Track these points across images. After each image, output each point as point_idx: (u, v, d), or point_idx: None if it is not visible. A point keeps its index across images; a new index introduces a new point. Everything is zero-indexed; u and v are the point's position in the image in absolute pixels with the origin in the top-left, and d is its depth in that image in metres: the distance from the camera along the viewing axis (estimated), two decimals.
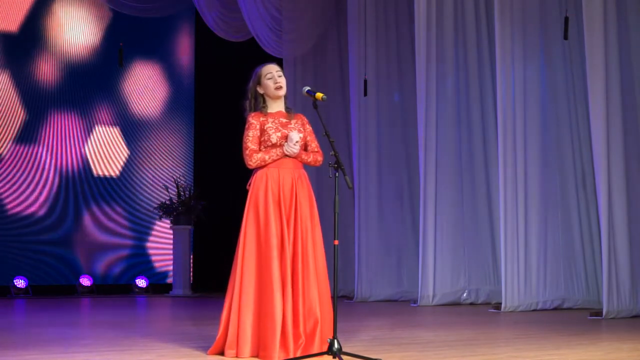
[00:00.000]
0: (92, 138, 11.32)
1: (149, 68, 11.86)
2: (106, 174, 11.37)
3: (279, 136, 4.53)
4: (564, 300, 8.07)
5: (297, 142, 4.49)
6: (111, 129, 11.49)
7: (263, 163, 4.52)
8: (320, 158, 4.69)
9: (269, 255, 4.38)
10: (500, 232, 7.94)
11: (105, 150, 11.40)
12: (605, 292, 6.90)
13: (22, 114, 10.87)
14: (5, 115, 10.76)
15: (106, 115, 11.47)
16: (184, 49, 12.16)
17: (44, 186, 10.93)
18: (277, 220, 4.44)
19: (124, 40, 10.60)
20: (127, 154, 11.56)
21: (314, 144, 4.69)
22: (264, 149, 4.55)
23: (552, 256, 8.07)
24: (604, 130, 7.00)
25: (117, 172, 11.45)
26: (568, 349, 4.89)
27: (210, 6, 9.96)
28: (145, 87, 11.81)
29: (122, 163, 11.51)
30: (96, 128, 11.37)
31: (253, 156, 4.52)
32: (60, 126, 11.12)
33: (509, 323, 6.72)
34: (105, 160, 11.38)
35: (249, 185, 4.59)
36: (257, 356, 4.35)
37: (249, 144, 4.54)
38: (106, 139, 11.42)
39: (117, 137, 11.52)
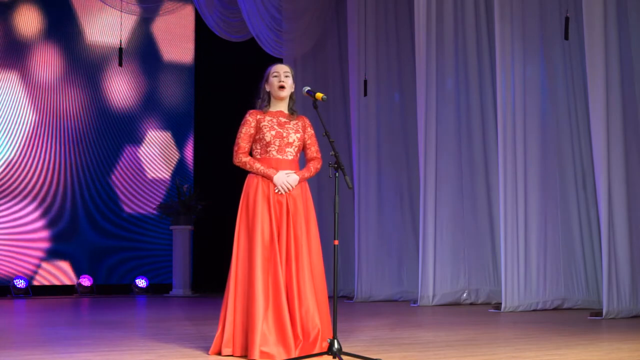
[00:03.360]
0: (91, 138, 11.32)
1: (148, 68, 11.85)
2: (106, 174, 11.36)
3: (273, 135, 4.53)
4: (564, 300, 8.07)
5: (285, 186, 4.47)
6: (114, 128, 11.47)
7: (244, 167, 4.57)
8: (319, 165, 4.69)
9: (254, 255, 4.40)
10: (500, 232, 7.94)
11: (106, 149, 11.39)
12: (605, 292, 6.90)
13: (30, 115, 10.88)
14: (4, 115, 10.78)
15: (108, 116, 11.46)
16: (184, 48, 12.15)
17: (42, 186, 10.92)
18: (265, 220, 4.45)
19: (124, 40, 10.60)
20: (128, 154, 11.55)
21: (313, 148, 4.69)
22: (259, 150, 4.55)
23: (552, 256, 8.07)
24: (604, 130, 7.00)
25: (118, 172, 11.45)
26: (568, 349, 4.89)
27: (210, 6, 9.96)
28: (144, 87, 11.80)
29: (122, 163, 11.50)
30: (96, 128, 11.37)
31: (239, 155, 4.56)
32: (57, 125, 11.11)
33: (509, 323, 6.72)
34: (105, 160, 11.37)
35: None
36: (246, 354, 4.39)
37: (239, 141, 4.57)
38: (108, 139, 11.41)
39: (122, 136, 11.51)
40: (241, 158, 4.56)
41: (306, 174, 4.60)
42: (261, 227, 4.43)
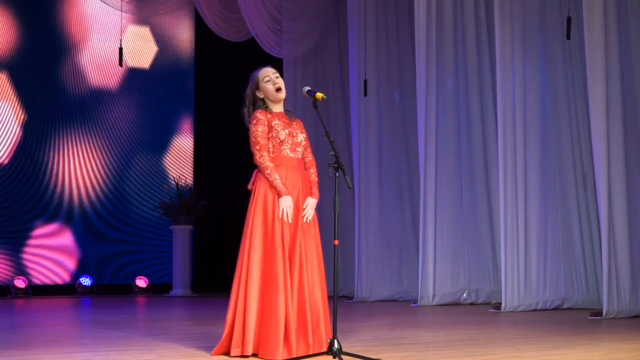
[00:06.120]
0: (90, 139, 11.31)
1: (148, 68, 11.84)
2: (105, 174, 11.36)
3: (286, 133, 4.54)
4: (564, 300, 8.07)
5: (286, 212, 4.45)
6: (115, 128, 11.47)
7: (263, 170, 4.47)
8: (315, 170, 4.69)
9: (274, 255, 4.39)
10: (500, 232, 7.94)
11: (105, 149, 11.39)
12: (605, 292, 6.90)
13: (21, 116, 10.88)
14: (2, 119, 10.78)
15: (107, 116, 11.46)
16: (184, 48, 12.15)
17: (40, 186, 10.92)
18: (282, 220, 4.44)
19: (124, 40, 10.60)
20: (127, 154, 11.55)
21: (309, 149, 4.72)
22: (272, 149, 4.53)
23: (552, 256, 8.07)
24: (604, 130, 7.00)
25: (118, 172, 11.45)
26: (568, 349, 4.89)
27: (210, 6, 9.96)
28: (143, 87, 11.79)
29: (123, 162, 11.50)
30: (96, 128, 11.36)
31: (263, 154, 4.48)
32: (56, 126, 11.11)
33: (509, 323, 6.72)
34: (105, 160, 11.37)
35: (252, 184, 4.58)
36: (257, 353, 4.36)
37: (259, 139, 4.50)
38: (108, 139, 11.41)
39: (122, 136, 11.51)
40: (266, 159, 4.48)
41: (317, 190, 4.63)
42: (279, 227, 4.42)
